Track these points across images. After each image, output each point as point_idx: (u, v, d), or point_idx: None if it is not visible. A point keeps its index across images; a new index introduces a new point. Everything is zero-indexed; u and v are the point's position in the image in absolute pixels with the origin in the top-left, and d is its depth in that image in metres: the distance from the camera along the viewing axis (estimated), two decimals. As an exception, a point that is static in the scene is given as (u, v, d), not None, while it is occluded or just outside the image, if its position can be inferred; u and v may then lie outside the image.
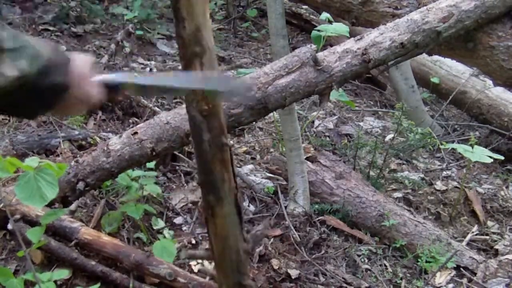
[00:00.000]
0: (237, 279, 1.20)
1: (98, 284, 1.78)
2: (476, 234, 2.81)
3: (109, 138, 2.37)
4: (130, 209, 2.16)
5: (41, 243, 1.79)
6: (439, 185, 3.15)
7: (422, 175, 3.25)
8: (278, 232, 2.56)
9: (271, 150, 3.24)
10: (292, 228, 2.57)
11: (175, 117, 2.05)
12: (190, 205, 2.62)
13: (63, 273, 1.79)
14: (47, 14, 4.43)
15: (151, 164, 2.25)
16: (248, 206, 2.74)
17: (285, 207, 2.72)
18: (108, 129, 3.07)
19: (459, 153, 2.82)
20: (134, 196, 2.23)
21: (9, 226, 1.99)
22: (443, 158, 3.55)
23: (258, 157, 3.21)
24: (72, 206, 2.18)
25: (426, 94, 4.43)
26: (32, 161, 1.53)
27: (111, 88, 1.01)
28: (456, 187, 3.10)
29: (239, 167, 3.01)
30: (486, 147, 2.96)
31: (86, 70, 1.00)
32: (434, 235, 2.59)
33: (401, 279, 2.45)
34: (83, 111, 1.05)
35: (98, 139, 2.74)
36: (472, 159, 2.64)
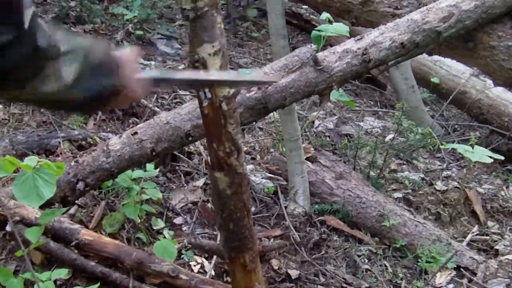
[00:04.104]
0: None
1: (97, 284, 1.77)
2: (476, 234, 2.81)
3: (109, 138, 2.36)
4: (130, 210, 2.15)
5: (40, 242, 1.79)
6: (439, 185, 3.14)
7: (422, 175, 3.25)
8: (278, 232, 2.56)
9: (271, 150, 3.24)
10: (292, 228, 2.56)
11: (175, 117, 2.05)
12: (190, 205, 2.62)
13: (62, 272, 1.78)
14: (46, 14, 4.42)
15: (151, 166, 2.24)
16: (248, 206, 2.73)
17: (285, 207, 2.71)
18: (108, 129, 3.06)
19: (459, 153, 2.81)
20: (134, 199, 2.22)
21: (8, 228, 1.98)
22: (443, 158, 3.54)
23: (258, 157, 3.21)
24: (71, 210, 2.18)
25: (426, 94, 4.42)
26: (31, 160, 1.52)
27: (154, 83, 1.07)
28: (456, 187, 3.10)
29: (239, 167, 3.00)
30: (486, 147, 2.96)
31: (135, 68, 1.00)
32: (434, 235, 2.59)
33: (401, 279, 2.45)
34: (127, 104, 1.08)
35: (98, 139, 2.73)
36: (472, 159, 2.64)
